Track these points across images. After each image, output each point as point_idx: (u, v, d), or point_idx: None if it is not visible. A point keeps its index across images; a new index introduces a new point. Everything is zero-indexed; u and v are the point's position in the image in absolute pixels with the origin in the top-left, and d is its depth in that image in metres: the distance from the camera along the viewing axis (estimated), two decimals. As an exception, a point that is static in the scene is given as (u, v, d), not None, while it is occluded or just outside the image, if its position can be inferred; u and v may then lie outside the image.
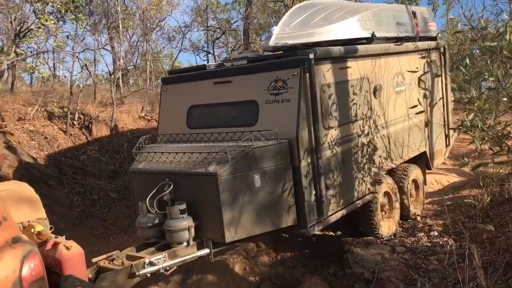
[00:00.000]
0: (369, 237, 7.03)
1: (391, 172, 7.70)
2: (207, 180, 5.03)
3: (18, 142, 9.81)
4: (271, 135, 5.40)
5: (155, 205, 5.24)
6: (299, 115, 5.41)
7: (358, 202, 6.39)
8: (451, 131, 9.40)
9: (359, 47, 6.46)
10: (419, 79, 7.96)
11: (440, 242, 6.75)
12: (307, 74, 5.45)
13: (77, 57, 12.95)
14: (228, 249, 6.11)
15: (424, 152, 8.33)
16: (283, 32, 6.82)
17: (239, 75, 6.00)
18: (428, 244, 6.81)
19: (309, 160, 5.53)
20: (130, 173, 5.86)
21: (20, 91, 13.65)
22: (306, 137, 5.50)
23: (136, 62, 19.56)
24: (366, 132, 6.60)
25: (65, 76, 19.17)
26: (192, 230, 5.17)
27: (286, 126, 5.47)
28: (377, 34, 7.06)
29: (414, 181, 8.12)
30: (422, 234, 7.21)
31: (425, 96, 8.30)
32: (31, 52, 12.11)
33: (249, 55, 6.34)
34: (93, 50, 15.15)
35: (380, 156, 6.91)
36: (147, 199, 5.25)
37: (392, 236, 7.18)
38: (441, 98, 8.93)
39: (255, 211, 5.18)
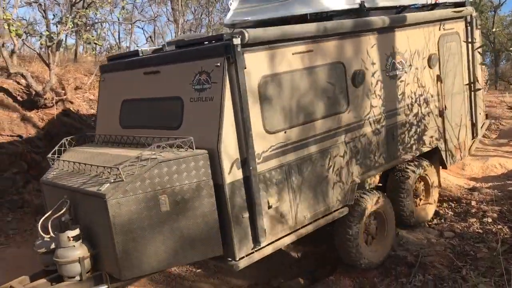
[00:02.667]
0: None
1: (388, 177, 6.32)
2: (98, 203, 4.02)
3: (77, 110, 9.77)
4: (186, 144, 4.26)
5: (50, 227, 4.32)
6: (222, 118, 4.20)
7: (320, 221, 5.11)
8: (480, 118, 7.69)
9: (326, 24, 5.03)
10: (430, 58, 6.39)
11: (493, 230, 6.46)
12: (234, 65, 4.18)
13: (142, 28, 12.79)
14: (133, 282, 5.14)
15: (437, 148, 6.76)
16: (243, 6, 5.55)
17: (166, 64, 4.85)
18: (480, 230, 6.52)
19: (239, 174, 4.33)
20: (41, 183, 4.98)
21: (84, 61, 13.77)
22: (234, 145, 4.30)
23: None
24: (337, 132, 5.24)
25: (127, 47, 19.07)
26: (87, 261, 4.23)
27: (207, 132, 4.30)
28: (373, 3, 5.60)
29: (423, 179, 6.66)
30: (474, 220, 6.90)
31: (439, 79, 6.68)
32: (90, 22, 12.10)
33: (186, 38, 5.15)
34: (154, 19, 14.66)
35: (361, 162, 5.53)
36: (41, 219, 4.36)
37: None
38: (468, 83, 7.23)
39: (164, 242, 4.12)
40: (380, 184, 6.56)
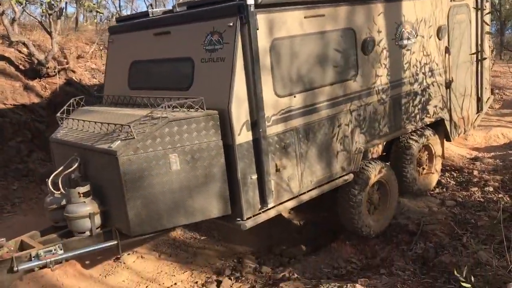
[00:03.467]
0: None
1: (392, 146, 6.36)
2: (109, 160, 4.05)
3: (80, 79, 9.72)
4: (197, 104, 4.27)
5: (60, 184, 4.36)
6: (233, 79, 4.21)
7: (325, 186, 5.17)
8: (486, 93, 7.70)
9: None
10: (439, 30, 6.36)
11: (494, 198, 6.50)
12: (246, 26, 4.17)
13: None
14: (145, 241, 5.21)
15: (442, 120, 6.79)
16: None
17: (178, 24, 4.83)
18: (481, 199, 6.59)
19: (249, 136, 4.36)
20: (50, 141, 5.00)
21: (85, 30, 13.70)
22: (245, 107, 4.31)
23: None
24: (345, 99, 5.25)
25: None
26: (98, 217, 4.29)
27: (218, 93, 4.31)
28: None
29: (427, 148, 6.72)
30: (476, 188, 6.96)
31: (447, 51, 6.67)
32: None
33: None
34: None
35: (366, 130, 5.56)
36: (51, 176, 4.41)
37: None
38: (474, 53, 7.20)
39: (173, 200, 4.17)
40: (384, 154, 6.62)
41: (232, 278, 5.36)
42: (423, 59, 6.26)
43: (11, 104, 8.24)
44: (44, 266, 4.04)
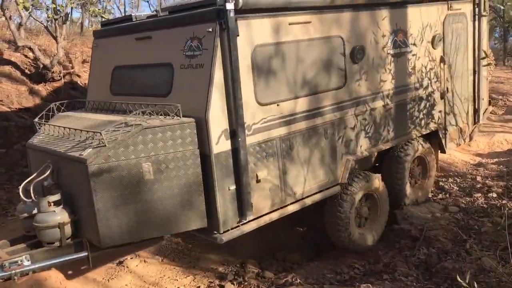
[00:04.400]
0: None
1: (385, 157, 6.18)
2: (79, 168, 3.90)
3: (85, 84, 9.65)
4: (173, 111, 4.11)
5: (32, 191, 4.21)
6: (211, 86, 4.04)
7: (310, 199, 4.99)
8: (483, 104, 7.50)
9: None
10: (433, 39, 6.19)
11: (498, 204, 6.45)
12: (226, 32, 4.01)
13: (147, 1, 12.68)
14: (115, 252, 5.07)
15: (436, 131, 6.59)
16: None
17: (159, 29, 4.68)
18: (484, 205, 6.54)
19: (227, 145, 4.20)
20: (26, 147, 4.86)
21: (90, 34, 14.05)
22: (224, 115, 4.15)
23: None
24: (333, 108, 5.08)
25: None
26: (68, 226, 4.12)
27: (196, 100, 4.15)
28: None
29: (421, 160, 6.53)
30: (480, 194, 6.92)
31: (442, 60, 6.49)
32: None
33: (182, 2, 4.96)
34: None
35: (354, 141, 5.37)
36: (23, 183, 4.26)
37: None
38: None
39: (146, 211, 4.00)
40: (377, 164, 6.43)
41: (234, 283, 5.23)
42: (417, 68, 6.08)
43: (16, 108, 8.25)
44: (9, 278, 3.88)
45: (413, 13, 5.92)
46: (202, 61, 4.14)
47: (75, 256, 4.14)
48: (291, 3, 4.48)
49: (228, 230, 4.32)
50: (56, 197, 4.08)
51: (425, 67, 6.21)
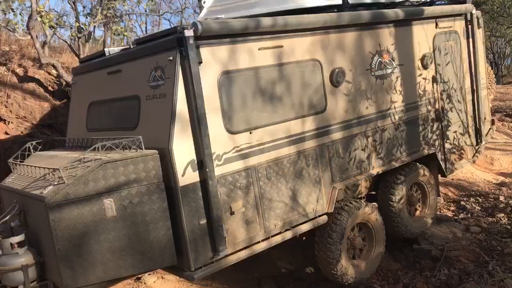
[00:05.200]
0: (443, 214, 7.07)
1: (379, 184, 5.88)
2: (40, 206, 3.75)
3: None
4: (135, 143, 3.96)
5: (-2, 234, 4.07)
6: (174, 116, 3.89)
7: (294, 230, 4.72)
8: (486, 124, 7.17)
9: (301, 18, 4.69)
10: (423, 58, 5.99)
11: None
12: (187, 59, 3.89)
13: (168, 20, 13.05)
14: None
15: (434, 154, 6.28)
16: (217, 4, 5.29)
17: (127, 62, 4.60)
18: (508, 226, 6.43)
19: (195, 177, 4.00)
20: (0, 188, 4.76)
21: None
22: (189, 146, 3.97)
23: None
24: (312, 134, 4.86)
25: None
26: (33, 269, 3.95)
27: (159, 131, 4.00)
28: None
29: (419, 186, 6.18)
30: (503, 215, 6.83)
31: (434, 80, 6.24)
32: (118, 13, 12.17)
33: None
34: (181, 11, 14.70)
35: (340, 167, 5.12)
36: (-11, 225, 4.13)
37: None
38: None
39: (110, 250, 3.81)
40: (374, 192, 6.10)
41: None
42: (405, 90, 5.84)
43: (39, 124, 8.30)
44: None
45: (398, 32, 5.73)
46: (165, 90, 4.01)
47: (38, 301, 3.94)
48: (259, 28, 4.34)
49: (200, 267, 4.07)
50: (20, 238, 3.93)
51: (415, 88, 5.97)
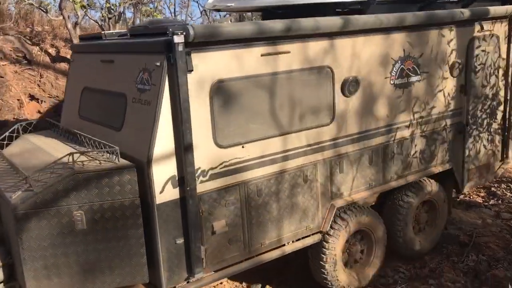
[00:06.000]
0: (472, 200, 7.03)
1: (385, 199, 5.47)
2: (9, 212, 3.55)
3: None
4: (112, 153, 3.66)
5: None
6: (156, 127, 3.55)
7: (283, 248, 4.43)
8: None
9: (308, 21, 4.17)
10: (453, 65, 5.41)
11: None
12: (175, 67, 3.49)
13: (197, 1, 12.88)
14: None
15: (450, 169, 5.78)
16: (228, -10, 4.82)
17: (120, 53, 4.24)
18: None
19: (175, 193, 3.71)
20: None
21: None
22: (171, 160, 3.65)
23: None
24: (317, 147, 4.46)
25: (183, 21, 18.96)
26: (0, 270, 3.80)
27: (139, 142, 3.68)
28: None
29: (430, 204, 5.72)
30: None
31: (463, 90, 5.66)
32: None
33: (154, 22, 4.46)
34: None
35: (341, 184, 4.73)
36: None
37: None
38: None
39: (78, 264, 3.60)
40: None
41: None
42: (429, 99, 5.30)
43: None
44: None
45: (426, 36, 5.13)
46: (150, 97, 3.65)
47: (4, 304, 3.82)
48: (263, 33, 3.87)
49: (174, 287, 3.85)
50: (-13, 238, 3.77)
51: (439, 98, 5.42)
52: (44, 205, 3.46)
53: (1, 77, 7.76)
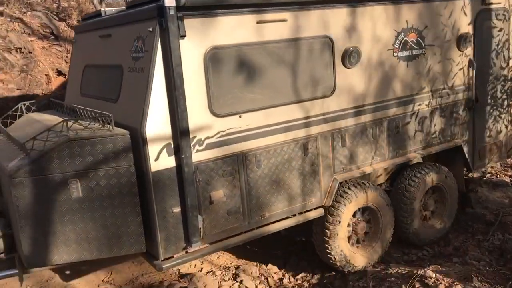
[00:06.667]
0: (499, 179, 6.98)
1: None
2: (6, 180, 3.57)
3: None
4: (106, 121, 3.65)
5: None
6: (149, 94, 3.53)
7: (284, 222, 4.36)
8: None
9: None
10: (459, 38, 5.28)
11: None
12: (167, 32, 3.47)
13: None
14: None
15: (460, 147, 5.64)
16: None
17: (116, 27, 4.24)
18: None
19: (170, 162, 3.68)
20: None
21: None
22: (166, 128, 3.63)
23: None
24: (317, 119, 4.39)
25: None
26: (0, 241, 3.82)
27: (133, 110, 3.67)
28: None
29: (438, 190, 5.55)
30: None
31: (471, 64, 5.52)
32: None
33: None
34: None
35: (344, 158, 4.64)
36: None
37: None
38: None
39: (75, 232, 3.60)
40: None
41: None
42: (435, 73, 5.17)
43: None
44: None
45: (432, 7, 5.01)
46: (143, 64, 3.64)
47: (5, 273, 3.84)
48: None
49: (171, 257, 3.82)
50: (-14, 208, 3.79)
51: (446, 73, 5.29)
52: (40, 172, 3.47)
53: (30, 52, 7.87)
